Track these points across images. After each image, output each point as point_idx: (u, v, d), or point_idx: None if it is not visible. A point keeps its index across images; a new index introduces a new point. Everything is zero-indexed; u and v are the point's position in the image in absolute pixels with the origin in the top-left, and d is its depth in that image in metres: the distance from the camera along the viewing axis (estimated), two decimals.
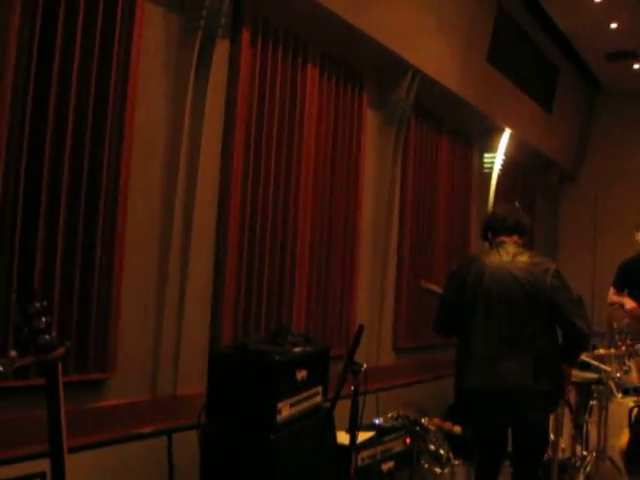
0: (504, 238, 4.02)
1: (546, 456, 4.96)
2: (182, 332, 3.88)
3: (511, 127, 7.61)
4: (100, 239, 3.39)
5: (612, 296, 6.84)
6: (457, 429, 5.47)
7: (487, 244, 4.21)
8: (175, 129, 3.81)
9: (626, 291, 6.75)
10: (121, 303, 3.53)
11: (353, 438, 3.05)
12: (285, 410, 3.33)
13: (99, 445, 3.35)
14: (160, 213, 3.79)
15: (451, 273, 4.23)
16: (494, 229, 4.09)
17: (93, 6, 3.29)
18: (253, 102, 4.35)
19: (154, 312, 3.78)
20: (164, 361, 3.80)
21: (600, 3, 6.92)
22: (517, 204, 4.92)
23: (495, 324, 3.83)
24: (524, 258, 3.90)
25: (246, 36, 4.22)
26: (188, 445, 3.67)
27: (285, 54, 4.61)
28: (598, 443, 5.06)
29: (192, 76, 3.80)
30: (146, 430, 3.65)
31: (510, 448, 4.20)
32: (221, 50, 4.03)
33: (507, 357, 3.78)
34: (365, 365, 3.01)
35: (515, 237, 4.05)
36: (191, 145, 3.88)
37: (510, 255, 3.92)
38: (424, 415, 5.39)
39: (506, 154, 7.77)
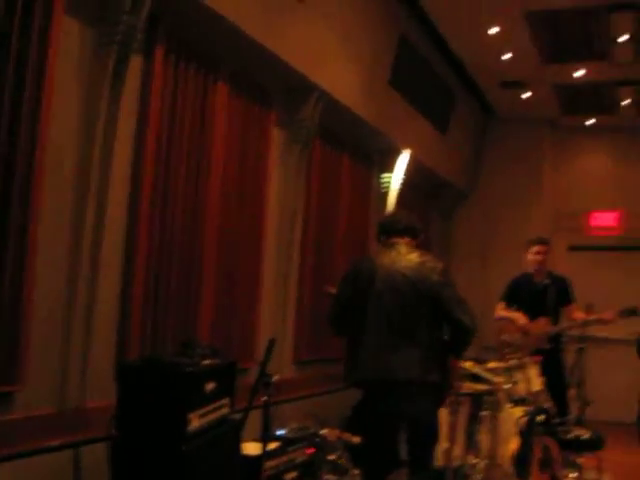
0: (396, 239, 4.20)
1: (441, 464, 5.22)
2: (90, 345, 3.87)
3: (409, 148, 7.89)
4: (11, 253, 3.37)
5: (500, 311, 7.14)
6: (356, 439, 5.61)
7: (380, 246, 4.39)
8: (88, 141, 3.83)
9: (514, 307, 7.07)
10: (30, 316, 3.51)
11: (265, 447, 3.14)
12: (195, 421, 3.39)
13: (7, 459, 3.32)
14: (70, 228, 3.79)
15: (345, 272, 4.38)
16: (387, 231, 4.27)
17: (9, 18, 3.29)
18: (164, 117, 4.42)
19: (62, 325, 3.76)
20: (72, 374, 3.78)
21: (494, 35, 7.30)
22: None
23: (385, 319, 3.99)
24: (413, 257, 4.09)
25: (160, 53, 4.30)
26: (96, 458, 3.67)
27: (197, 72, 4.71)
28: (489, 451, 5.30)
29: (106, 90, 3.84)
30: (53, 443, 3.63)
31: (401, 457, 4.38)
32: (135, 65, 4.09)
33: (396, 350, 3.93)
34: (277, 377, 3.11)
35: (407, 238, 4.22)
36: (103, 157, 3.90)
37: (401, 255, 4.10)
38: (324, 426, 5.52)
39: (404, 174, 8.04)
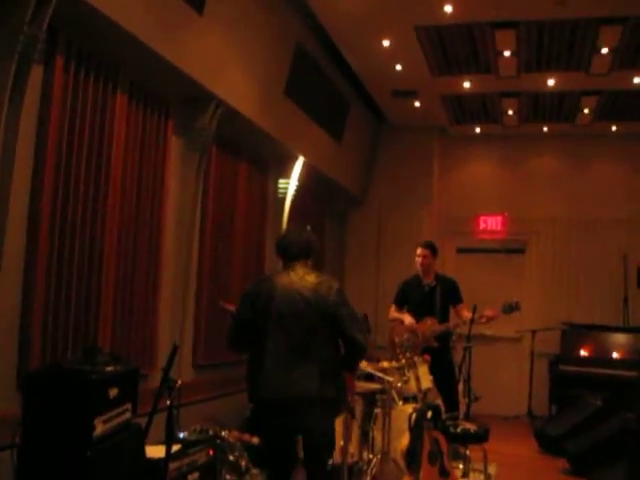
0: (294, 262, 4.35)
1: (334, 461, 5.42)
2: None
3: (304, 155, 8.11)
4: None
5: (393, 313, 7.44)
6: (255, 440, 5.76)
7: (281, 264, 4.55)
8: None
9: (406, 308, 7.37)
10: None
11: (169, 449, 3.25)
12: (99, 427, 3.45)
13: None
14: None
15: (244, 292, 4.49)
16: (285, 254, 4.41)
17: None
18: (64, 126, 4.45)
19: None
20: None
21: (387, 47, 7.59)
22: (309, 227, 5.27)
23: (284, 338, 4.13)
24: (311, 278, 4.23)
25: (60, 62, 4.34)
26: (1, 467, 3.70)
27: (96, 81, 4.75)
28: (382, 447, 5.54)
29: (6, 99, 3.85)
30: None
31: (300, 455, 4.55)
32: (36, 75, 4.12)
33: (295, 368, 4.08)
34: (180, 381, 3.22)
35: (303, 260, 4.37)
36: (4, 165, 3.92)
37: (298, 276, 4.24)
38: (223, 428, 5.64)
39: (299, 180, 8.26)
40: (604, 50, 7.32)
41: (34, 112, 4.25)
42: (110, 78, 4.91)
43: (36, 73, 4.12)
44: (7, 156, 3.92)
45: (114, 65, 4.94)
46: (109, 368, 3.67)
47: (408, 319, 7.14)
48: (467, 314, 6.97)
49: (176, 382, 3.21)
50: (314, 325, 4.12)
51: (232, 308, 5.12)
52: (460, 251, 11.04)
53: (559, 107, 9.50)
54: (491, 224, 10.87)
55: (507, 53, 7.52)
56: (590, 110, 9.35)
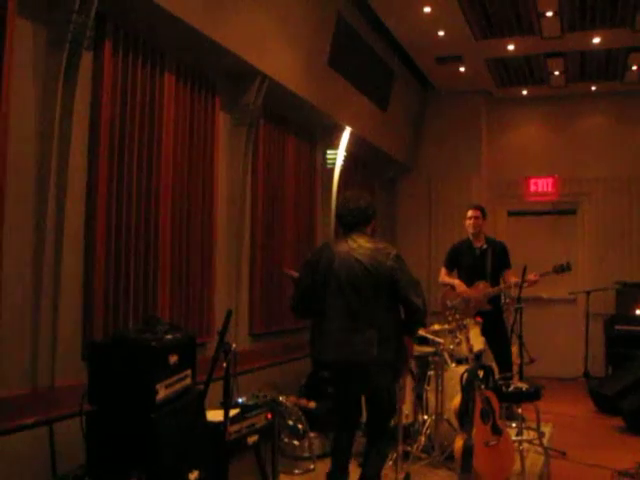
0: (352, 229, 4.48)
1: (392, 422, 5.57)
2: (57, 328, 4.11)
3: (351, 125, 8.19)
4: None
5: (443, 277, 7.51)
6: (312, 404, 5.96)
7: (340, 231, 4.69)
8: (45, 135, 4.04)
9: (456, 271, 7.44)
10: (0, 300, 3.73)
11: (227, 411, 3.42)
12: (162, 391, 3.66)
13: None
14: (33, 217, 4.02)
15: (305, 260, 4.66)
16: (343, 222, 4.55)
17: None
18: (116, 108, 4.64)
19: (31, 310, 3.99)
20: (42, 356, 4.02)
21: (429, 13, 7.61)
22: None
23: (344, 304, 4.28)
24: (368, 245, 4.36)
25: (108, 48, 4.52)
26: (70, 434, 3.94)
27: (144, 64, 4.93)
28: (436, 407, 5.68)
29: (60, 85, 4.05)
30: (27, 421, 3.87)
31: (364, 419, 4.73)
32: (86, 61, 4.30)
33: (355, 332, 4.24)
34: (235, 345, 3.39)
35: (361, 227, 4.49)
36: (61, 149, 4.11)
37: (357, 243, 4.37)
38: (281, 394, 5.84)
39: (347, 150, 8.35)
40: None
41: (87, 96, 4.44)
42: (157, 60, 5.08)
43: (86, 59, 4.30)
44: (64, 138, 4.12)
45: (160, 47, 5.11)
46: (168, 336, 3.87)
47: (460, 286, 7.19)
48: (514, 279, 6.99)
49: (231, 345, 3.37)
50: (372, 291, 4.26)
51: (295, 274, 5.25)
52: (511, 214, 11.03)
53: (606, 65, 9.39)
54: (541, 186, 10.80)
55: (549, 13, 7.47)
56: (638, 67, 9.20)
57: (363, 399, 4.71)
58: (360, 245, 4.35)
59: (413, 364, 5.95)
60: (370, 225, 4.55)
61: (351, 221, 4.47)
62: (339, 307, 4.29)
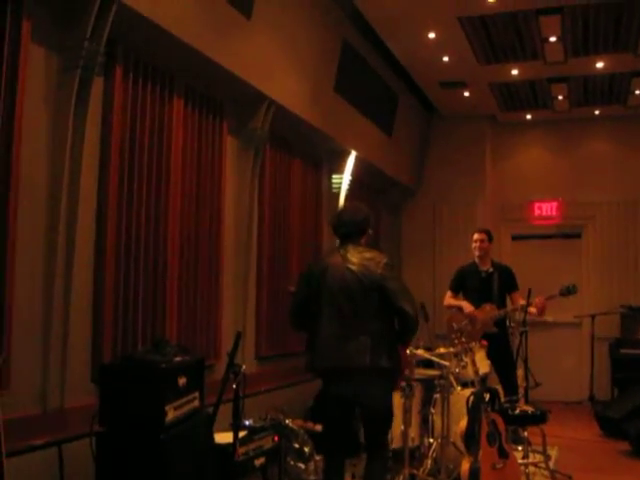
0: (347, 240, 4.55)
1: (398, 445, 5.58)
2: (67, 350, 4.14)
3: (356, 150, 8.26)
4: None
5: (449, 299, 7.54)
6: (318, 427, 5.95)
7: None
8: (57, 158, 4.11)
9: (461, 294, 7.46)
10: (11, 327, 3.77)
11: (237, 432, 3.45)
12: (171, 413, 3.70)
13: None
14: (44, 240, 4.07)
15: (301, 273, 4.73)
16: (338, 233, 4.62)
17: None
18: (126, 132, 4.71)
19: (41, 333, 4.04)
20: (52, 377, 4.05)
21: (433, 39, 7.70)
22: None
23: (337, 312, 4.34)
24: (360, 255, 4.43)
25: (119, 73, 4.61)
26: (79, 455, 3.95)
27: (154, 88, 5.00)
28: (442, 431, 5.68)
29: (72, 110, 4.12)
30: (37, 442, 3.88)
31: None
32: (97, 86, 4.38)
33: (348, 340, 4.28)
34: (244, 366, 3.42)
35: (355, 238, 4.54)
36: (72, 172, 4.18)
37: (349, 253, 4.44)
38: (288, 417, 5.84)
39: (352, 175, 8.41)
40: None
41: (97, 120, 4.51)
42: (166, 84, 5.16)
43: (97, 84, 4.37)
44: (75, 161, 4.18)
45: (169, 72, 5.19)
46: (177, 358, 3.91)
47: (468, 307, 7.22)
48: (522, 301, 7.01)
49: (241, 367, 3.40)
50: (364, 299, 4.31)
51: (293, 289, 5.28)
52: (515, 238, 11.06)
53: (609, 89, 9.46)
54: (546, 210, 10.86)
55: (553, 39, 7.54)
56: None
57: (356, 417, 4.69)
58: (352, 255, 4.42)
59: (418, 387, 5.95)
60: (364, 236, 4.61)
61: (345, 232, 4.55)
62: (332, 316, 4.35)
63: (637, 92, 9.33)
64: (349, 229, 4.54)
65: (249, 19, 5.54)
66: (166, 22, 4.57)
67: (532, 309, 6.79)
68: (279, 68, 6.22)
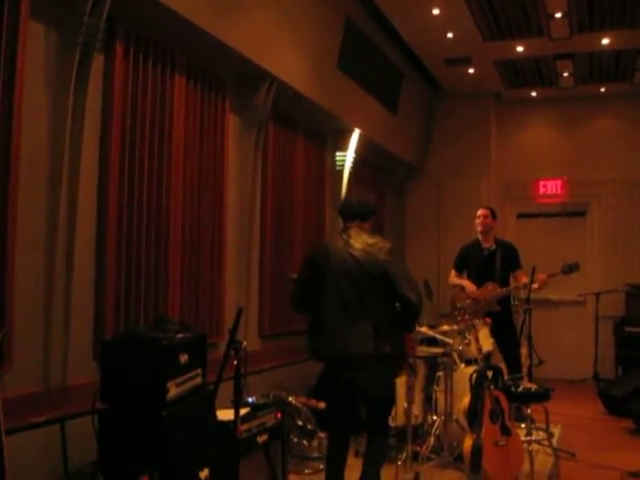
0: (349, 223, 4.53)
1: (399, 423, 5.59)
2: (69, 328, 4.17)
3: (360, 128, 8.23)
4: None
5: (453, 278, 7.52)
6: (321, 405, 5.95)
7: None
8: (58, 135, 4.12)
9: (465, 272, 7.45)
10: (13, 306, 3.79)
11: (237, 407, 3.45)
12: (172, 390, 3.69)
13: None
14: (45, 217, 4.08)
15: (304, 257, 4.71)
16: (342, 216, 4.60)
17: None
18: (127, 109, 4.70)
19: (43, 311, 4.07)
20: (54, 355, 4.09)
21: (437, 15, 7.63)
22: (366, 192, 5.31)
23: (339, 298, 4.31)
24: (363, 239, 4.39)
25: (120, 50, 4.58)
26: (81, 432, 3.95)
27: (155, 65, 4.98)
28: (445, 408, 5.69)
29: (72, 87, 4.11)
30: (39, 419, 3.90)
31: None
32: (97, 63, 4.36)
33: (350, 326, 4.26)
34: (245, 343, 3.42)
35: (357, 221, 4.51)
36: (72, 149, 4.19)
37: (352, 238, 4.41)
38: (291, 394, 5.86)
39: (356, 152, 8.39)
40: None
41: (98, 98, 4.50)
42: (168, 61, 5.13)
43: (98, 61, 4.37)
44: (75, 139, 4.18)
45: (171, 49, 5.16)
46: (179, 335, 3.90)
47: (470, 287, 7.21)
48: (525, 279, 6.98)
49: (242, 343, 3.40)
50: (367, 285, 4.28)
51: (293, 275, 5.28)
52: (520, 216, 11.03)
53: (615, 66, 9.38)
54: (551, 188, 10.81)
55: (558, 15, 7.47)
56: None
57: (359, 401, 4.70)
58: (355, 240, 4.39)
59: (421, 365, 5.96)
60: (369, 221, 4.57)
61: (351, 213, 4.51)
62: (335, 302, 4.32)
63: None
64: (356, 209, 4.50)
65: None
66: None
67: (534, 285, 6.77)
68: (281, 45, 6.18)
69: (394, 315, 4.37)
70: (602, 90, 10.34)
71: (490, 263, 7.23)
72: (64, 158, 4.10)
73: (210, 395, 4.03)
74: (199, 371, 4.08)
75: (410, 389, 5.31)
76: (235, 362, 3.41)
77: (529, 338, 6.86)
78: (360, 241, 4.37)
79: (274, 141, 6.83)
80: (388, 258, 4.30)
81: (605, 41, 8.37)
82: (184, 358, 3.87)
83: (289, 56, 6.35)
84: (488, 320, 6.51)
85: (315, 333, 4.44)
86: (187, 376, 3.89)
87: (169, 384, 3.66)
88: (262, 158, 6.53)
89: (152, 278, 4.95)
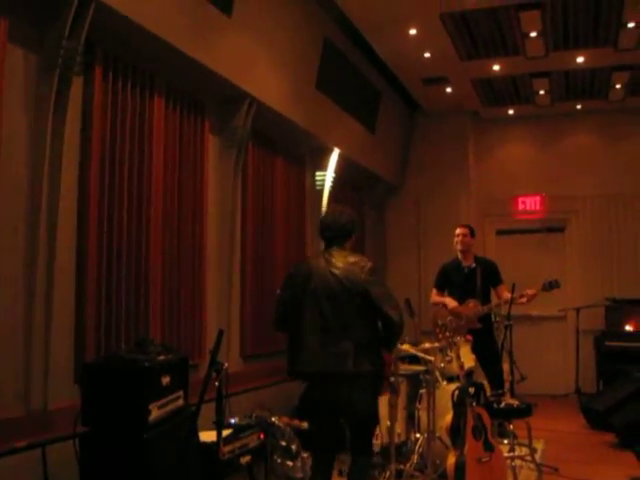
0: (331, 243, 4.52)
1: (384, 441, 5.59)
2: (50, 350, 4.13)
3: (339, 147, 8.28)
4: None
5: (435, 297, 7.56)
6: (304, 425, 5.95)
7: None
8: (37, 158, 4.10)
9: (446, 291, 7.49)
10: None
11: (220, 429, 3.45)
12: (154, 411, 3.69)
13: None
14: (25, 238, 4.06)
15: (285, 277, 4.70)
16: (322, 235, 4.59)
17: None
18: (106, 132, 4.70)
19: (23, 334, 4.03)
20: (35, 379, 4.05)
21: (414, 35, 7.71)
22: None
23: (320, 317, 4.30)
24: (344, 259, 4.39)
25: (99, 73, 4.60)
26: (62, 456, 3.93)
27: (134, 88, 4.99)
28: (428, 426, 5.70)
29: (51, 110, 4.10)
30: (20, 444, 3.86)
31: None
32: (77, 86, 4.37)
33: (330, 345, 4.24)
34: (226, 364, 3.42)
35: (339, 241, 4.49)
36: (52, 172, 4.16)
37: (333, 257, 4.41)
38: (273, 415, 5.84)
39: (336, 172, 8.42)
40: (630, 24, 7.33)
41: (77, 121, 4.50)
42: (147, 84, 5.15)
43: (77, 84, 4.36)
44: (55, 162, 4.17)
45: (150, 71, 5.18)
46: (160, 357, 3.90)
47: (451, 303, 7.26)
48: (507, 295, 7.00)
49: (223, 365, 3.40)
50: (347, 304, 4.27)
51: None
52: (499, 233, 11.11)
53: (591, 84, 9.50)
54: (529, 204, 10.92)
55: (533, 34, 7.56)
56: (622, 85, 9.33)
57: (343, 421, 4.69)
58: (337, 259, 4.39)
59: (404, 383, 5.97)
60: (350, 240, 4.57)
61: (330, 236, 4.51)
62: (315, 320, 4.31)
63: (618, 86, 9.38)
64: (333, 233, 4.50)
65: (229, 16, 5.53)
66: (146, 20, 4.57)
67: (522, 300, 6.82)
68: (260, 66, 6.22)
69: (374, 333, 4.36)
70: (578, 107, 10.48)
71: (471, 281, 7.28)
72: (43, 182, 4.08)
73: (192, 417, 4.01)
74: (181, 393, 4.08)
75: (393, 407, 5.32)
76: (217, 383, 3.39)
77: (510, 354, 6.90)
78: (341, 260, 4.38)
79: (254, 161, 6.85)
80: (369, 277, 4.30)
81: (580, 59, 8.49)
82: (166, 380, 3.87)
83: (268, 77, 6.38)
84: (469, 337, 6.55)
85: (295, 350, 4.42)
86: (169, 398, 3.90)
87: (151, 406, 3.66)
88: (242, 178, 6.55)
89: (133, 300, 4.94)
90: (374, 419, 4.54)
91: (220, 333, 3.53)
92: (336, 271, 4.33)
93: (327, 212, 4.66)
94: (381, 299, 4.28)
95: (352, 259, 4.40)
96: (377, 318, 4.32)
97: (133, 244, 4.96)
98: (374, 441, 4.99)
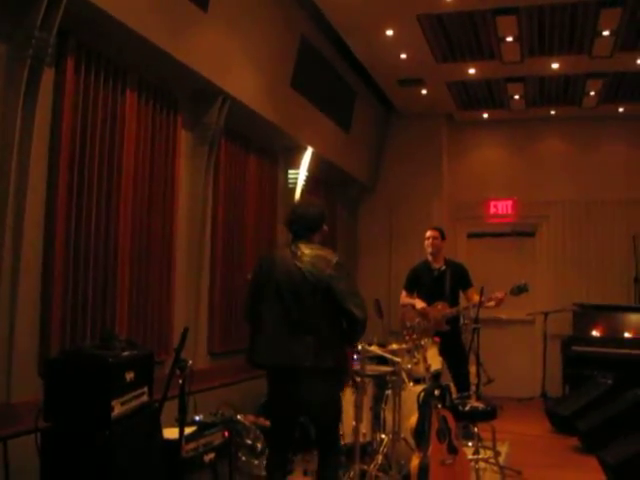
0: (298, 236, 4.47)
1: (349, 441, 5.59)
2: (13, 344, 4.09)
3: (313, 146, 8.27)
4: None
5: (404, 299, 7.59)
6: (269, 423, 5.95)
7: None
8: (4, 151, 4.04)
9: (416, 293, 7.52)
10: None
11: (182, 426, 3.43)
12: (117, 408, 3.64)
13: None
14: None
15: (253, 267, 4.69)
16: (290, 227, 4.55)
17: None
18: (77, 125, 4.65)
19: None
20: None
21: (391, 36, 7.73)
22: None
23: (282, 310, 4.27)
24: (310, 252, 4.35)
25: (71, 64, 4.53)
26: (25, 451, 3.87)
27: (106, 80, 4.94)
28: (393, 426, 5.70)
29: (21, 101, 4.04)
30: None
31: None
32: (48, 78, 4.31)
33: (291, 338, 4.22)
34: (191, 362, 3.40)
35: (307, 234, 4.45)
36: (20, 164, 4.10)
37: (299, 250, 4.36)
38: (239, 413, 5.82)
39: (309, 170, 8.42)
40: (605, 33, 7.40)
41: (47, 112, 4.44)
42: (119, 77, 5.10)
43: (48, 75, 4.31)
44: (23, 155, 4.11)
45: (123, 64, 5.12)
46: (125, 353, 3.86)
47: (419, 304, 7.30)
48: (477, 298, 7.04)
49: (187, 362, 3.38)
50: (311, 298, 4.24)
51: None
52: (471, 236, 11.18)
53: (565, 90, 9.59)
54: (501, 208, 10.99)
55: (510, 39, 7.61)
56: (596, 92, 9.43)
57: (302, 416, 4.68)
58: (303, 252, 4.34)
59: (370, 383, 5.97)
60: (318, 232, 4.53)
61: (297, 229, 4.48)
62: (277, 313, 4.29)
63: (592, 93, 9.48)
64: (301, 225, 4.46)
65: (205, 11, 5.50)
66: (120, 13, 4.51)
67: (490, 303, 6.87)
68: (235, 62, 6.19)
69: (336, 328, 4.33)
70: (552, 113, 10.57)
71: (440, 283, 7.32)
72: (10, 175, 4.02)
73: (155, 413, 3.99)
74: (145, 389, 4.04)
75: (358, 407, 5.32)
76: (180, 381, 3.38)
77: (477, 357, 6.94)
78: (308, 253, 4.33)
79: (226, 158, 6.82)
80: (334, 272, 4.26)
81: (555, 65, 8.55)
82: (130, 376, 3.83)
83: (242, 74, 6.35)
84: (437, 339, 6.58)
85: (255, 341, 4.41)
86: (133, 394, 3.86)
87: (114, 402, 3.63)
88: (214, 175, 6.52)
89: (100, 294, 4.89)
90: (337, 412, 4.52)
91: (185, 331, 3.52)
92: (300, 264, 4.29)
93: (296, 205, 4.61)
94: (345, 295, 4.24)
95: (319, 252, 4.36)
96: (340, 313, 4.29)
97: (101, 238, 4.91)
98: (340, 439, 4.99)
